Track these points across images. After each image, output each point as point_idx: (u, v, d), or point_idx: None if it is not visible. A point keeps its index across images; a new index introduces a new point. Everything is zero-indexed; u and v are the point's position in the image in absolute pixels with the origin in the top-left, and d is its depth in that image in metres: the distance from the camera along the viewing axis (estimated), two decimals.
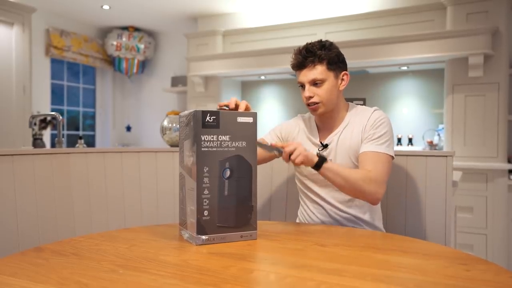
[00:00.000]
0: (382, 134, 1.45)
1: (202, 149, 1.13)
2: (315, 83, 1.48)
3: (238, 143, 1.18)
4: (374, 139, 1.45)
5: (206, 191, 1.14)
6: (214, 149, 1.15)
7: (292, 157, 1.33)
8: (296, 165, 1.35)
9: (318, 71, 1.47)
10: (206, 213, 1.14)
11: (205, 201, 1.14)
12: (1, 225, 1.40)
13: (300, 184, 1.62)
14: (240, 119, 1.18)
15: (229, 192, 1.17)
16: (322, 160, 1.37)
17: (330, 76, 1.49)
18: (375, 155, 1.43)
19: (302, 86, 1.52)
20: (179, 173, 1.25)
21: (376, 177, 1.39)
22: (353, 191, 1.40)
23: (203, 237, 1.14)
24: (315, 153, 1.38)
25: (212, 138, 1.14)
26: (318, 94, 1.48)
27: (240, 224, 1.19)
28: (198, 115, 1.13)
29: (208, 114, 1.14)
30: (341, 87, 1.53)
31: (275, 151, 1.36)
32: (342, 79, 1.53)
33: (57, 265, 0.96)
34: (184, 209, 1.21)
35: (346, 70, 1.55)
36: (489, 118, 3.20)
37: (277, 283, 0.87)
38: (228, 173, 1.17)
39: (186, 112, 1.21)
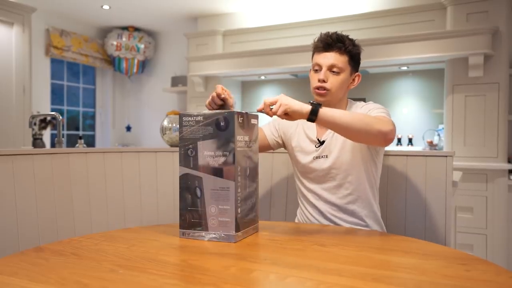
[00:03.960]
0: (378, 108, 1.46)
1: (238, 149, 1.19)
2: (332, 70, 1.49)
3: (252, 143, 1.27)
4: (370, 111, 1.46)
5: (239, 190, 1.19)
6: (242, 149, 1.21)
7: (274, 109, 1.25)
8: (280, 116, 1.26)
9: (341, 59, 1.49)
10: (239, 210, 1.19)
11: (239, 199, 1.19)
12: (1, 225, 1.40)
13: (299, 184, 1.62)
14: (252, 121, 1.27)
15: (249, 189, 1.25)
16: (316, 107, 1.25)
17: (348, 70, 1.51)
18: (375, 115, 1.39)
19: (317, 70, 1.52)
20: (184, 174, 1.23)
21: (383, 118, 1.33)
22: (363, 128, 1.26)
23: (239, 233, 1.19)
24: (308, 102, 1.26)
25: (241, 138, 1.20)
26: (331, 81, 1.49)
27: (256, 218, 1.31)
28: (232, 116, 1.17)
29: (240, 116, 1.20)
30: (351, 86, 1.56)
31: (260, 113, 1.31)
32: (353, 79, 1.56)
33: (57, 265, 0.96)
34: (200, 210, 1.21)
35: (358, 72, 1.58)
36: (489, 118, 3.20)
37: (277, 283, 0.87)
38: (248, 171, 1.25)
39: (207, 112, 1.20)
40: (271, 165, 1.90)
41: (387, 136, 1.29)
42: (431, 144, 3.64)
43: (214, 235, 1.19)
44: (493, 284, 0.85)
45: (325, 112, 1.26)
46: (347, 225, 1.50)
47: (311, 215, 1.56)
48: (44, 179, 1.53)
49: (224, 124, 1.18)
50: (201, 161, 1.20)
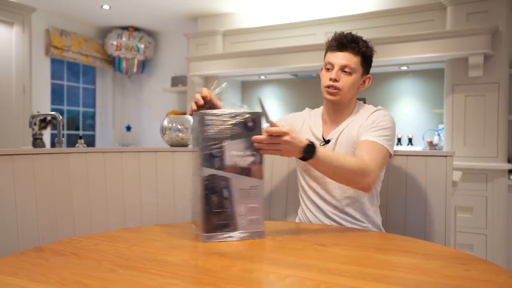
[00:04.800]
0: (383, 128, 1.45)
1: None
2: (344, 70, 1.49)
3: None
4: (374, 130, 1.45)
5: (263, 188, 1.24)
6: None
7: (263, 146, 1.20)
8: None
9: (354, 60, 1.49)
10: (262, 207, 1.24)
11: (263, 197, 1.24)
12: (1, 225, 1.40)
13: (302, 181, 1.61)
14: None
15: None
16: (308, 155, 1.24)
17: (359, 71, 1.51)
18: (372, 145, 1.42)
19: (329, 69, 1.52)
20: (210, 175, 1.19)
21: (369, 167, 1.35)
22: (345, 181, 1.37)
23: (264, 230, 1.23)
24: (304, 144, 1.24)
25: None
26: (343, 81, 1.49)
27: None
28: (259, 116, 1.21)
29: (264, 117, 1.23)
30: (361, 88, 1.56)
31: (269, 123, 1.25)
32: (364, 81, 1.56)
33: (57, 265, 0.96)
34: (228, 211, 1.20)
35: (369, 74, 1.58)
36: (489, 118, 3.20)
37: (277, 283, 0.87)
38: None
39: (233, 111, 1.20)
40: (271, 164, 1.90)
41: (364, 189, 1.38)
42: (431, 144, 3.64)
43: (245, 234, 1.20)
44: (493, 284, 0.85)
45: (315, 160, 1.26)
46: (348, 225, 1.50)
47: (312, 213, 1.56)
48: (44, 179, 1.53)
49: (252, 124, 1.19)
50: (228, 161, 1.19)
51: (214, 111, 1.19)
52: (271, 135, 1.18)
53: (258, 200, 1.21)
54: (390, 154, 1.47)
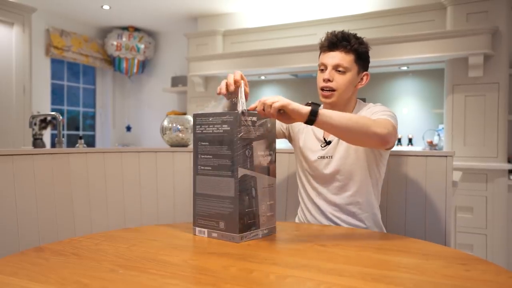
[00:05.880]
0: (385, 110, 1.42)
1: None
2: (338, 69, 1.47)
3: None
4: (377, 113, 1.41)
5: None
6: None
7: (266, 111, 1.17)
8: (273, 115, 1.18)
9: (346, 59, 1.46)
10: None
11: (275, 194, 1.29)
12: (1, 225, 1.40)
13: (304, 181, 1.60)
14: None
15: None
16: (316, 108, 1.19)
17: (354, 69, 1.49)
18: (379, 118, 1.36)
19: (322, 69, 1.50)
20: (243, 175, 1.18)
21: (383, 120, 1.30)
22: (359, 130, 1.24)
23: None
24: (306, 104, 1.22)
25: None
26: (337, 81, 1.47)
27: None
28: (275, 119, 1.25)
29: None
30: (359, 86, 1.54)
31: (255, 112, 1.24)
32: (362, 78, 1.54)
33: (57, 265, 0.96)
34: (254, 210, 1.21)
35: (367, 71, 1.55)
36: (489, 118, 3.20)
37: (277, 283, 0.87)
38: None
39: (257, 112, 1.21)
40: None
41: (383, 139, 1.26)
42: (431, 144, 3.64)
43: (265, 231, 1.24)
44: (493, 284, 0.85)
45: (324, 113, 1.21)
46: (347, 226, 1.50)
47: (311, 214, 1.55)
48: (44, 179, 1.53)
49: (270, 125, 1.25)
50: (255, 161, 1.21)
51: (250, 112, 1.20)
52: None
53: (273, 197, 1.27)
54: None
